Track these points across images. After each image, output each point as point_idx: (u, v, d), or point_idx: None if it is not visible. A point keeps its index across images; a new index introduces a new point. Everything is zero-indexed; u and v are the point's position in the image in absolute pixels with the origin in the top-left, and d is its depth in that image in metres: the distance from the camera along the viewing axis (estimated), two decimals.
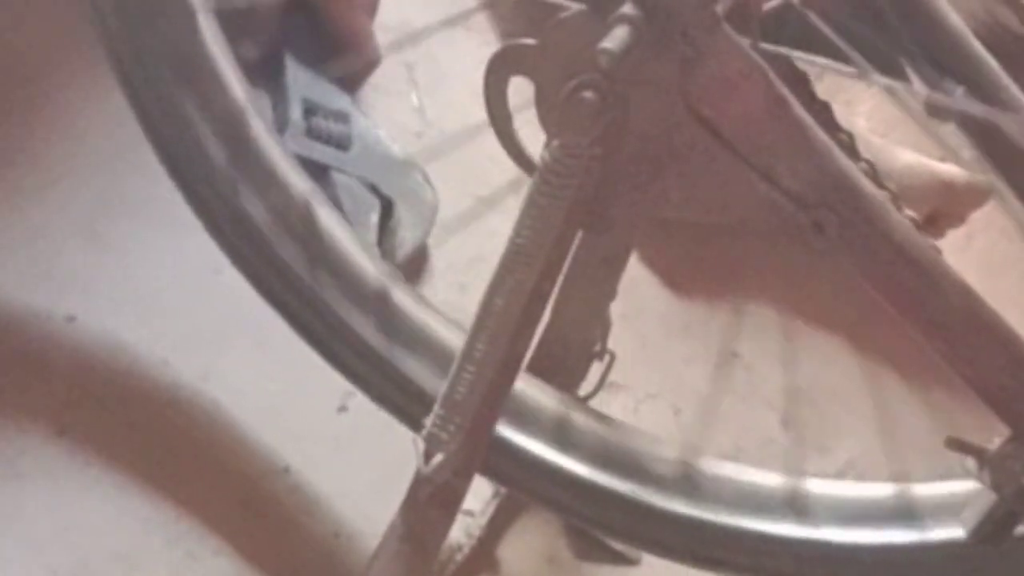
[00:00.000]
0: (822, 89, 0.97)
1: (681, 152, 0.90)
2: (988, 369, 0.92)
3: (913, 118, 1.63)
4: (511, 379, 0.96)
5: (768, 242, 1.40)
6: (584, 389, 1.14)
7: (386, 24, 1.46)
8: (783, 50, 0.91)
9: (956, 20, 1.06)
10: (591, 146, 0.87)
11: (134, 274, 1.22)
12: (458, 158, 1.38)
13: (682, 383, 1.35)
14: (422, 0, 1.47)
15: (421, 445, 0.96)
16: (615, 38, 0.84)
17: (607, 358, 1.13)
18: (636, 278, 1.33)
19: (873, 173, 0.93)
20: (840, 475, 1.31)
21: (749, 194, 0.89)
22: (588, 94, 0.86)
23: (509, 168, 0.94)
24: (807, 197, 0.88)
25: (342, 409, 1.20)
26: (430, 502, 0.97)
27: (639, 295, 1.36)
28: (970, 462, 0.95)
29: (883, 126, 1.61)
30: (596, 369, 1.13)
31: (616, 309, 1.11)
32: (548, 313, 1.05)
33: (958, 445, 0.95)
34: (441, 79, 1.48)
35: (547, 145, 0.88)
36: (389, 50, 1.44)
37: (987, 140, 1.15)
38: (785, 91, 0.87)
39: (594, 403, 1.11)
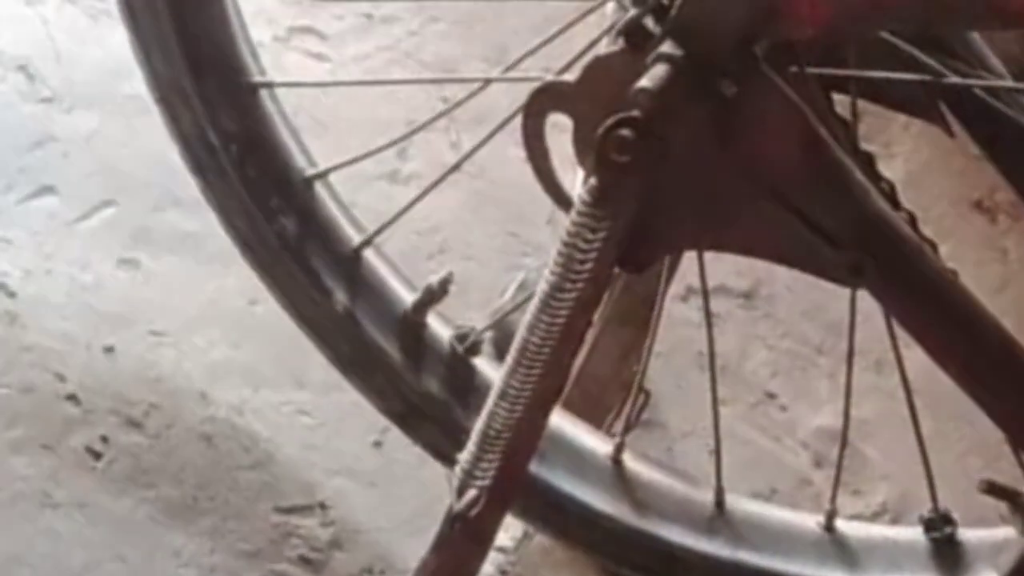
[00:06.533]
0: (861, 130, 0.97)
1: (719, 191, 0.89)
2: None
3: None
4: (546, 416, 0.95)
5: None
6: (619, 427, 1.13)
7: (425, 60, 1.46)
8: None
9: (995, 62, 1.06)
10: (628, 184, 0.87)
11: (172, 306, 1.22)
12: (495, 193, 1.38)
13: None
14: (459, 36, 1.48)
15: (455, 480, 0.96)
16: (654, 77, 0.84)
17: (642, 396, 1.12)
18: (672, 315, 1.32)
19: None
20: (875, 518, 1.30)
21: (787, 234, 0.89)
22: (626, 132, 0.86)
23: (547, 205, 0.94)
24: (845, 239, 0.88)
25: (377, 444, 1.20)
26: (462, 537, 0.97)
27: (675, 333, 1.35)
28: (1004, 507, 0.95)
29: (921, 168, 1.60)
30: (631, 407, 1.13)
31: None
32: (584, 350, 1.05)
33: (991, 489, 0.94)
34: (479, 114, 1.48)
35: (584, 183, 0.88)
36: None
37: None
38: (824, 132, 0.87)
39: (629, 441, 1.11)
